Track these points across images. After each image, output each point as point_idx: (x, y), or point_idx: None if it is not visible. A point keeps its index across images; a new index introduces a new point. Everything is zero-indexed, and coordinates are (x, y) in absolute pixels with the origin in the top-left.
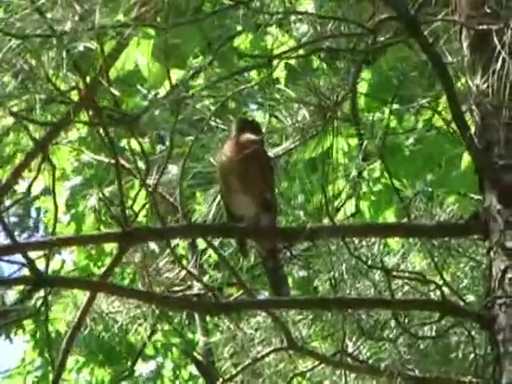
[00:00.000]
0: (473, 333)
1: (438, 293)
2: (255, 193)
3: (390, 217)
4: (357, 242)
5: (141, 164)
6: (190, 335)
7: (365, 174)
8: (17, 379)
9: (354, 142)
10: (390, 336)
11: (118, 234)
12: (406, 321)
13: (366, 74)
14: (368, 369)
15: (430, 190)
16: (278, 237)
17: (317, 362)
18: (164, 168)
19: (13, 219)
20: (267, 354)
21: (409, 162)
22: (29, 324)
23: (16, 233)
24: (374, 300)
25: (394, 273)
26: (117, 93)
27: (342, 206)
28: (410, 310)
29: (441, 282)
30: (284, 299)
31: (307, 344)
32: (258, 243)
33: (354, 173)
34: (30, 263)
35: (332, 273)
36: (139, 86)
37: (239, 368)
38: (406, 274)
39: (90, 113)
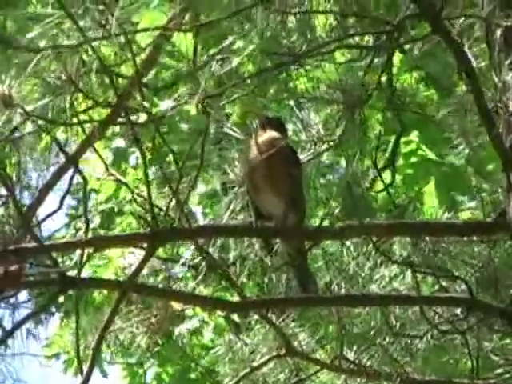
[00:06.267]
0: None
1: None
2: (282, 192)
3: (428, 191)
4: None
5: None
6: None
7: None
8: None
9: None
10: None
11: (146, 235)
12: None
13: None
14: (367, 373)
15: None
16: (306, 236)
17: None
18: (197, 177)
19: None
20: (266, 362)
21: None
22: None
23: None
24: (397, 296)
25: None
26: (145, 103)
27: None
28: (436, 306)
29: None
30: (314, 297)
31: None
32: (285, 242)
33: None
34: (56, 265)
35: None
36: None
37: (239, 376)
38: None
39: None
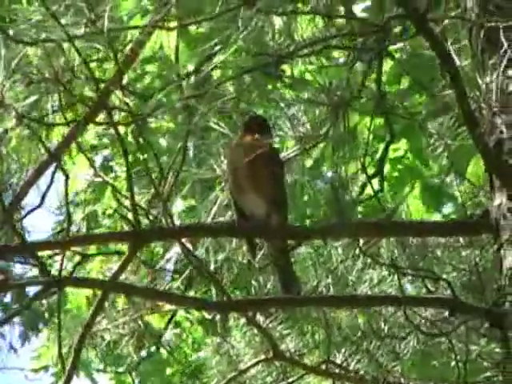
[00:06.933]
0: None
1: None
2: (265, 192)
3: (412, 198)
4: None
5: None
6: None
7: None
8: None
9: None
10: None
11: (128, 234)
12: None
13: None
14: (354, 377)
15: None
16: (289, 235)
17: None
18: (178, 175)
19: None
20: (253, 365)
21: None
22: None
23: None
24: (383, 297)
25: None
26: (127, 100)
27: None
28: (420, 306)
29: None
30: (301, 297)
31: (295, 355)
32: (268, 242)
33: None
34: (40, 264)
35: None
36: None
37: (226, 379)
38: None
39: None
